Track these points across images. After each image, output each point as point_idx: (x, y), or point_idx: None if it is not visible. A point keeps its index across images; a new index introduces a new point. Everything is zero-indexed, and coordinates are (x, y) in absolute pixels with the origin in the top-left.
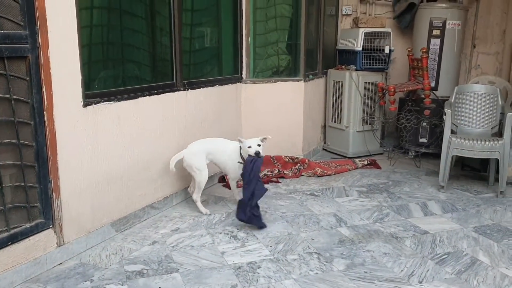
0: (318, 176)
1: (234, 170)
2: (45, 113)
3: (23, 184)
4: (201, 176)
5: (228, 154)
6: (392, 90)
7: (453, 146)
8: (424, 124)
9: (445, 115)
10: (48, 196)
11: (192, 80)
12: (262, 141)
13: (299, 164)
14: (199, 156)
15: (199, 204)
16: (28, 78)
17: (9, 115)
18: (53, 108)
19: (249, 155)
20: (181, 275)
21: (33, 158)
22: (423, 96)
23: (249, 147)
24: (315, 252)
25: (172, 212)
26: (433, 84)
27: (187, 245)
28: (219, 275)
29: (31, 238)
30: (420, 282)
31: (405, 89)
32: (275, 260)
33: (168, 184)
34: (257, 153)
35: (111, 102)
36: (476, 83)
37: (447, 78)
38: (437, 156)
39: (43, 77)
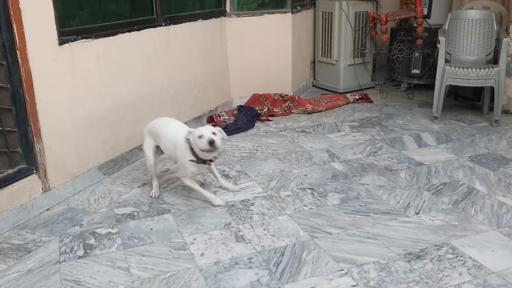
0: (309, 113)
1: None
2: (18, 52)
3: (1, 128)
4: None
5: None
6: (384, 19)
7: (447, 75)
8: (417, 54)
9: (439, 43)
10: (29, 140)
11: (173, 14)
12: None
13: (289, 102)
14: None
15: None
16: None
17: None
18: (26, 47)
19: (201, 150)
20: (173, 215)
21: (9, 100)
22: (415, 24)
23: (200, 136)
24: (309, 188)
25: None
26: (425, 12)
27: (178, 185)
28: (212, 214)
29: (14, 184)
30: (417, 214)
31: (397, 17)
32: (268, 197)
33: None
34: (211, 142)
35: (88, 40)
36: (470, 9)
37: (440, 4)
38: (430, 87)
39: (12, 13)
